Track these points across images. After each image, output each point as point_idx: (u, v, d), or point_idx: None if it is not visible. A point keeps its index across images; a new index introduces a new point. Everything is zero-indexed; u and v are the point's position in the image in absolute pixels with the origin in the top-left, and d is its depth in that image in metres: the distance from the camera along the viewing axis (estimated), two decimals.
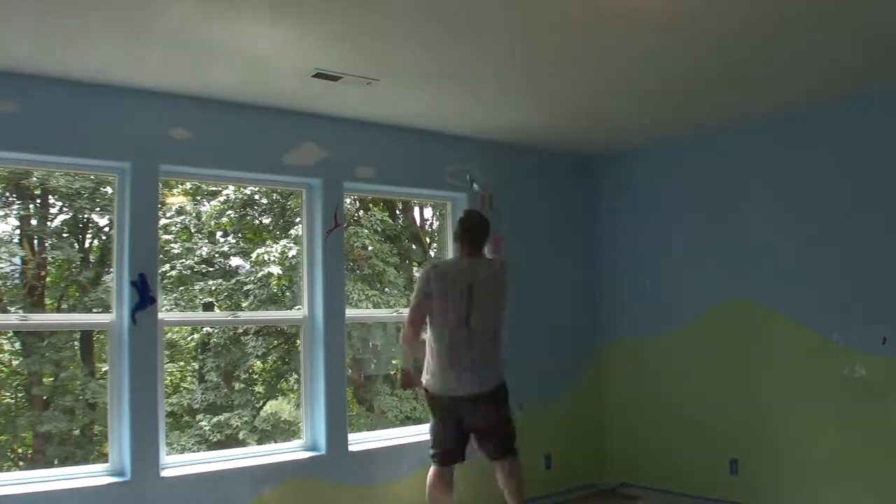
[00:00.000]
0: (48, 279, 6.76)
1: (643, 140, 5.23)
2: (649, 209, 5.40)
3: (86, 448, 6.32)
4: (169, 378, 7.11)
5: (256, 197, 7.69)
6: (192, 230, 7.51)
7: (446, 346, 3.82)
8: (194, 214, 7.54)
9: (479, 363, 3.82)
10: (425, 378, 3.93)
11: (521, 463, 3.99)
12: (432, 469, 3.97)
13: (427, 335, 3.93)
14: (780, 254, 4.59)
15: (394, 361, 8.14)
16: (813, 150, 4.47)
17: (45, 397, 6.42)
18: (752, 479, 4.64)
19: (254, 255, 7.31)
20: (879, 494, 4.03)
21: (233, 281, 7.39)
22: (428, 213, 8.72)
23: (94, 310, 6.36)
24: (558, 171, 5.60)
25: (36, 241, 6.75)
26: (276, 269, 7.18)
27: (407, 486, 4.49)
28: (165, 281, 6.88)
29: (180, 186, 7.36)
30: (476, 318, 3.83)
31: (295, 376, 7.44)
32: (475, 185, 4.93)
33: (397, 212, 8.63)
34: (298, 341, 4.58)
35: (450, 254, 5.14)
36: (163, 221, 6.96)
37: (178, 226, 7.44)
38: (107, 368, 3.91)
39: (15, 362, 6.43)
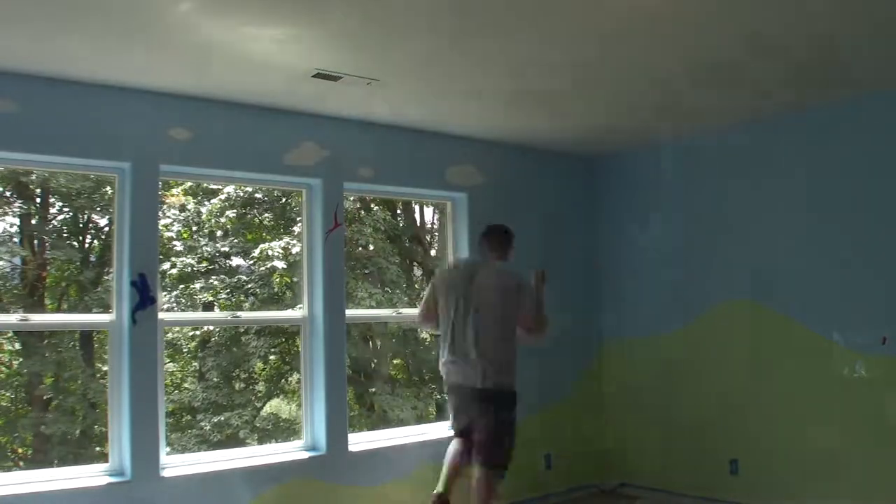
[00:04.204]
0: (48, 279, 6.76)
1: (643, 140, 5.23)
2: (649, 209, 5.40)
3: (86, 448, 6.32)
4: (169, 378, 7.11)
5: (258, 195, 7.69)
6: (193, 228, 7.51)
7: (449, 341, 3.98)
8: (195, 212, 7.54)
9: (477, 361, 3.86)
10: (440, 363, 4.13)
11: (490, 485, 3.82)
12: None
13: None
14: (780, 254, 4.58)
15: None
16: (813, 149, 4.46)
17: (45, 398, 6.41)
18: (752, 479, 4.64)
19: (257, 251, 7.31)
20: (879, 494, 4.02)
21: (234, 279, 7.39)
22: (428, 213, 8.73)
23: (94, 310, 6.36)
24: (558, 171, 5.60)
25: (36, 241, 6.75)
26: (280, 264, 7.17)
27: (407, 487, 4.49)
28: (166, 280, 6.88)
29: (180, 187, 7.35)
30: (477, 318, 3.90)
31: (296, 375, 7.43)
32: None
33: (398, 212, 8.62)
34: (299, 340, 4.58)
35: (450, 254, 5.15)
36: (163, 221, 6.96)
37: (180, 224, 7.43)
38: (107, 368, 3.91)
39: (15, 363, 6.42)
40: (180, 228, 7.43)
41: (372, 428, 7.30)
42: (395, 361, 8.45)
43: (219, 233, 7.68)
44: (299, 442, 4.38)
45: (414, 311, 5.30)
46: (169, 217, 7.23)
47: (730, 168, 4.89)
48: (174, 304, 6.99)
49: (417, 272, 8.75)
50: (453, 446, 4.05)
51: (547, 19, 3.03)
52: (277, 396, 8.04)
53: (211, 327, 7.23)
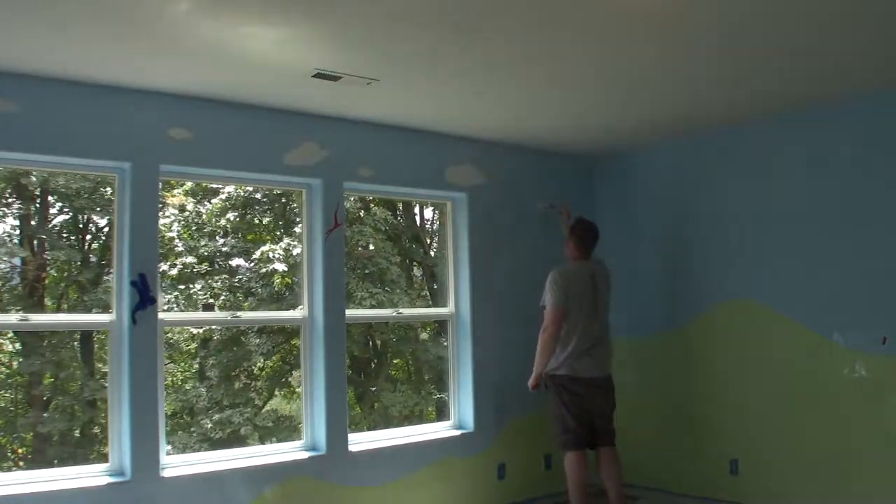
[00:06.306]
0: (48, 279, 6.75)
1: (643, 140, 5.23)
2: (649, 209, 5.40)
3: (86, 448, 6.32)
4: (170, 378, 7.11)
5: (258, 196, 7.69)
6: (194, 228, 7.50)
7: (578, 336, 4.29)
8: (195, 213, 7.53)
9: (600, 351, 4.36)
10: (551, 367, 4.34)
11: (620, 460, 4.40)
12: (568, 454, 4.32)
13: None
14: (781, 253, 4.58)
15: None
16: (814, 149, 4.46)
17: (45, 397, 6.41)
18: (752, 479, 4.64)
19: (258, 253, 7.31)
20: (879, 494, 4.03)
21: (235, 278, 7.39)
22: (428, 212, 8.72)
23: (94, 310, 6.36)
24: (558, 171, 5.60)
25: (36, 242, 6.74)
26: (280, 266, 7.18)
27: (407, 487, 4.49)
28: (165, 280, 6.87)
29: (180, 188, 7.34)
30: (599, 312, 4.40)
31: (296, 373, 7.43)
32: (552, 206, 5.29)
33: (398, 212, 8.62)
34: (299, 339, 4.58)
35: (450, 253, 5.14)
36: (163, 221, 6.95)
37: (181, 223, 7.43)
38: (107, 368, 3.91)
39: (15, 363, 6.42)
40: (180, 229, 7.42)
41: (373, 427, 7.31)
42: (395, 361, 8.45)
43: (219, 233, 7.67)
44: (299, 442, 4.38)
45: (414, 311, 5.33)
46: (170, 216, 7.23)
47: (729, 168, 4.89)
48: (174, 305, 6.98)
49: (417, 272, 8.75)
50: (575, 463, 4.29)
51: (548, 19, 3.03)
52: (278, 396, 8.04)
53: (211, 326, 7.22)
